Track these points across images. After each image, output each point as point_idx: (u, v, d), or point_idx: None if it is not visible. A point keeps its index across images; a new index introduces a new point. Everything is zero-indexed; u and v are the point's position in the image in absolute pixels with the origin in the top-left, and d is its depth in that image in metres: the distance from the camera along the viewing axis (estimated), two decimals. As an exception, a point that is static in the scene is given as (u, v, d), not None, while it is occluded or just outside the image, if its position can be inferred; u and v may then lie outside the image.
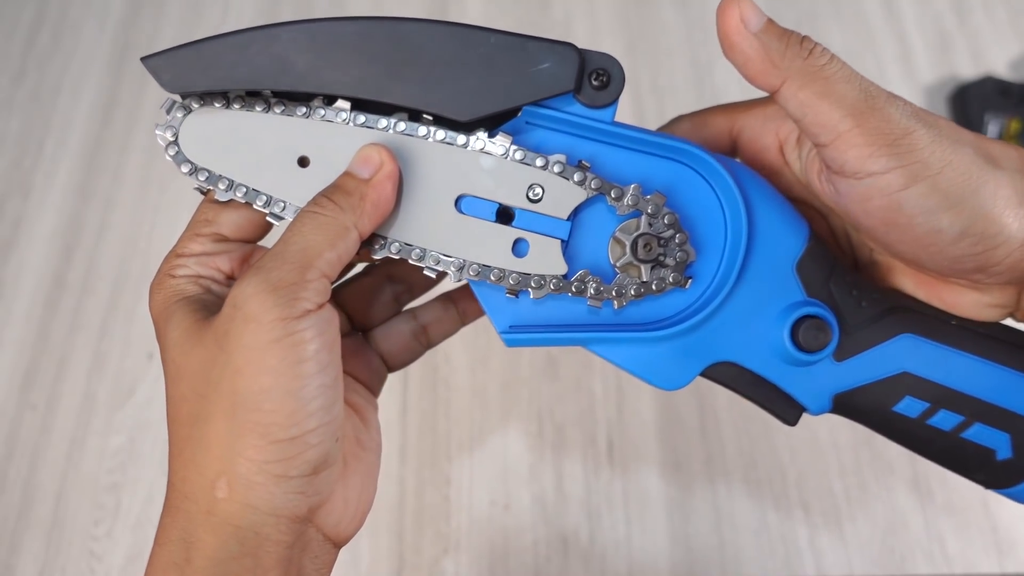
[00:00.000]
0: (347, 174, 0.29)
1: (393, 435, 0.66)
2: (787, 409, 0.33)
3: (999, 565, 0.61)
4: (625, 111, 0.77)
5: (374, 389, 0.38)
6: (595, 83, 0.30)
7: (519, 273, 0.30)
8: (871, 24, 0.85)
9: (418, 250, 0.30)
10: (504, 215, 0.31)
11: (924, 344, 0.32)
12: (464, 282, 0.31)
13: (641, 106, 0.79)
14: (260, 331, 0.26)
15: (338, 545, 0.30)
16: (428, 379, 0.68)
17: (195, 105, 0.30)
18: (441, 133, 0.30)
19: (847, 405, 0.33)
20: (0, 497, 0.64)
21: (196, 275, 0.31)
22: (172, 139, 0.31)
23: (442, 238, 0.30)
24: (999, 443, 0.32)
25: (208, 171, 0.31)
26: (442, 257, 0.30)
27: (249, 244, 0.33)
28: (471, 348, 0.69)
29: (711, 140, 0.34)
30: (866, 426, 0.34)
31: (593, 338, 0.31)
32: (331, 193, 0.29)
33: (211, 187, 0.31)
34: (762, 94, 0.30)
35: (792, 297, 0.32)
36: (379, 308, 0.39)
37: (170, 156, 0.31)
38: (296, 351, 0.26)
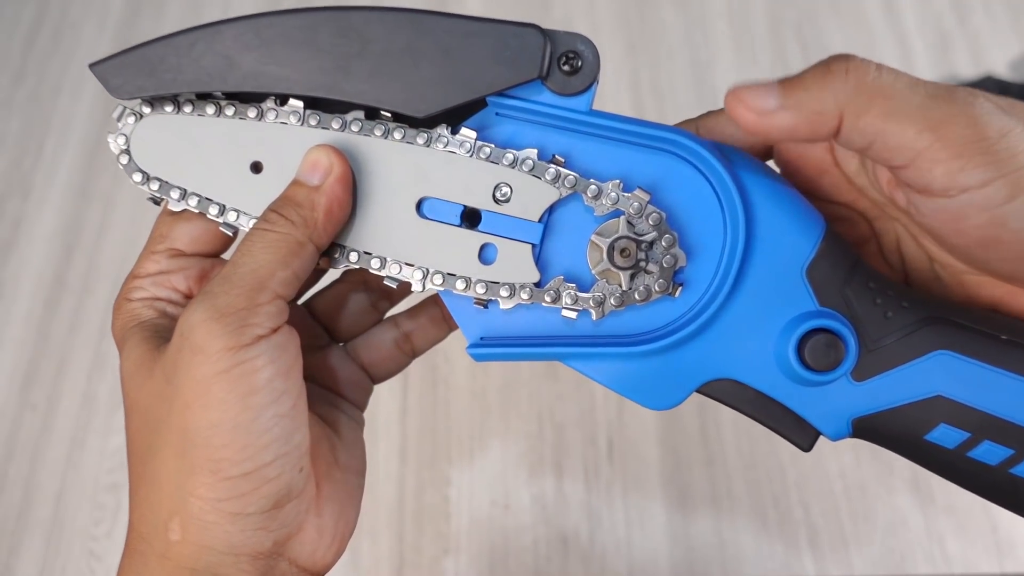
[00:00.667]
0: (296, 183, 0.27)
1: (393, 435, 0.66)
2: (799, 433, 0.29)
3: (999, 565, 0.61)
4: (626, 110, 0.77)
5: (358, 403, 0.35)
6: (565, 68, 0.27)
7: (487, 281, 0.28)
8: (871, 24, 0.85)
9: (377, 259, 0.28)
10: (470, 218, 0.28)
11: (964, 363, 0.27)
12: (431, 291, 0.29)
13: (641, 106, 0.79)
14: (207, 362, 0.24)
15: (317, 575, 0.28)
16: (428, 379, 0.68)
17: (146, 110, 0.29)
18: (399, 132, 0.28)
19: (870, 430, 0.28)
20: (0, 497, 0.64)
21: (152, 297, 0.29)
22: (124, 147, 0.29)
23: (403, 244, 0.28)
24: None
25: (160, 180, 0.29)
26: (403, 265, 0.28)
27: (208, 259, 0.31)
28: (471, 348, 0.69)
29: (742, 139, 0.30)
30: (898, 454, 0.30)
31: (570, 353, 0.28)
32: (280, 207, 0.27)
33: (164, 197, 0.29)
34: None
35: (802, 307, 0.28)
36: (357, 317, 0.36)
37: (122, 165, 0.29)
38: (246, 381, 0.24)
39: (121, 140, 0.29)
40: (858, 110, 0.23)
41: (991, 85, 0.77)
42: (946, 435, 0.27)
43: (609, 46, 0.82)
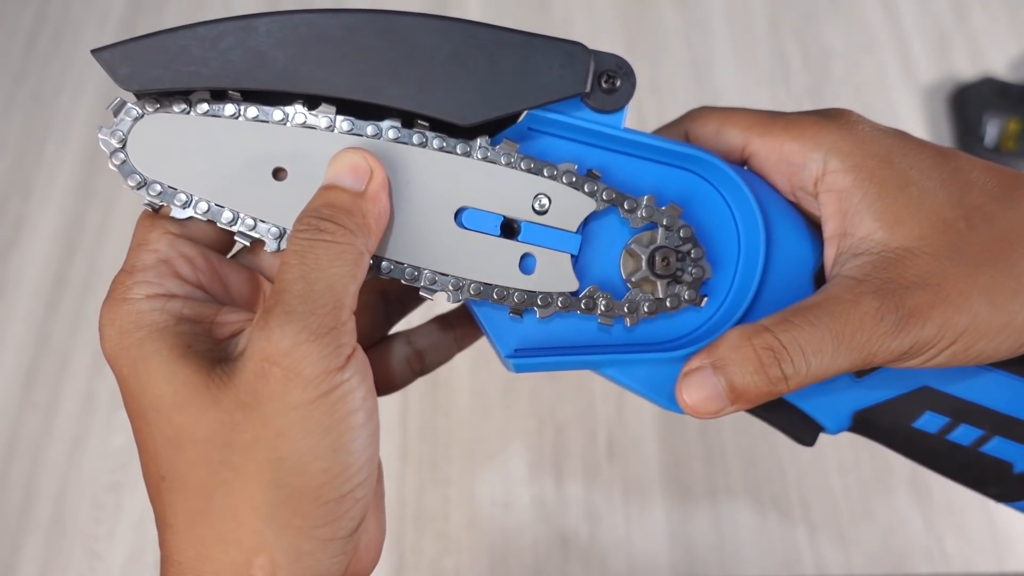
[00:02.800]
0: (336, 188, 0.26)
1: (394, 435, 0.66)
2: (805, 429, 0.32)
3: (998, 564, 0.61)
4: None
5: None
6: (605, 86, 0.28)
7: (526, 291, 0.28)
8: (871, 24, 0.85)
9: (411, 268, 0.28)
10: (507, 229, 0.28)
11: None
12: (460, 303, 0.29)
13: (641, 106, 0.79)
14: (307, 388, 0.23)
15: None
16: (428, 379, 0.67)
17: (149, 108, 0.26)
18: (439, 140, 0.27)
19: (867, 422, 0.32)
20: (1, 496, 0.65)
21: (161, 293, 0.26)
22: (119, 145, 0.26)
23: (441, 255, 0.28)
24: (1017, 456, 0.31)
25: (161, 184, 0.26)
26: (439, 276, 0.28)
27: (213, 252, 0.28)
28: (471, 348, 0.69)
29: (724, 153, 0.31)
30: (883, 444, 0.33)
31: (605, 360, 0.29)
32: (332, 214, 0.25)
33: (164, 203, 0.27)
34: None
35: None
36: (371, 328, 0.35)
37: (114, 165, 0.26)
38: (345, 403, 0.24)
39: (115, 138, 0.26)
40: (806, 379, 0.26)
41: (990, 86, 0.77)
42: (930, 421, 0.31)
43: (609, 46, 0.82)
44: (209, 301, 0.27)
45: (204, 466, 0.24)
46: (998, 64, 0.82)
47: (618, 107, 0.28)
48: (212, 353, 0.25)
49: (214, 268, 0.28)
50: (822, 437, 0.33)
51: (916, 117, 0.80)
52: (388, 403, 0.67)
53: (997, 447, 0.31)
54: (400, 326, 0.38)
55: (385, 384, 0.36)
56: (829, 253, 0.29)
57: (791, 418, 0.32)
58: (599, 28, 0.84)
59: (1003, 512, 0.62)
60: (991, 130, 0.76)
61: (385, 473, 0.66)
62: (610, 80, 0.28)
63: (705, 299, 0.29)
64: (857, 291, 0.26)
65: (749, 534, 0.62)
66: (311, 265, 0.24)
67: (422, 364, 0.36)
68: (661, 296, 0.29)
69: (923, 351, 0.26)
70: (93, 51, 0.25)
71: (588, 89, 0.28)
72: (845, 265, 0.28)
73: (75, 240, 0.75)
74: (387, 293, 0.35)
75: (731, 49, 0.82)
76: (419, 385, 0.68)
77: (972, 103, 0.77)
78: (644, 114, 0.78)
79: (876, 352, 0.26)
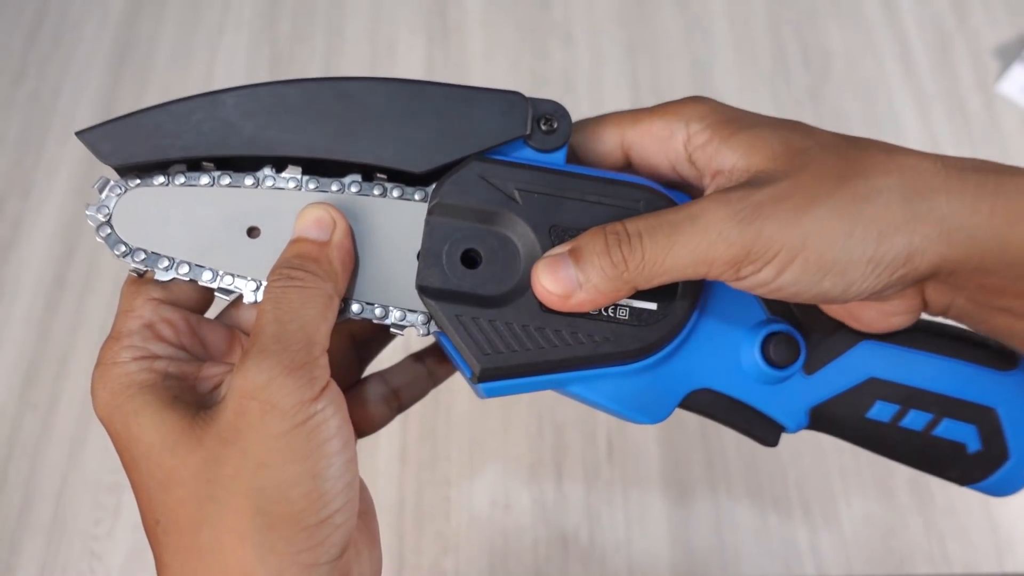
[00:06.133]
0: (302, 240, 0.28)
1: (393, 436, 0.66)
2: (766, 430, 0.33)
3: (999, 565, 0.61)
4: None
5: None
6: (544, 128, 0.30)
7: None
8: (871, 24, 0.85)
9: (380, 308, 0.30)
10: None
11: (884, 348, 0.33)
12: (428, 335, 0.30)
13: (641, 106, 0.79)
14: (283, 418, 0.25)
15: None
16: (428, 379, 0.68)
17: (132, 183, 0.29)
18: (397, 190, 0.30)
19: (823, 417, 0.33)
20: (1, 496, 0.64)
21: (146, 355, 0.28)
22: (104, 220, 0.29)
23: (409, 292, 0.30)
24: (968, 436, 0.33)
25: (145, 251, 0.29)
26: (408, 312, 0.30)
27: (192, 313, 0.30)
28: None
29: (607, 155, 0.33)
30: (844, 439, 0.35)
31: (571, 378, 0.31)
32: (301, 263, 0.27)
33: (149, 268, 0.29)
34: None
35: (756, 317, 0.32)
36: (344, 373, 0.37)
37: (101, 238, 0.28)
38: (320, 431, 0.25)
39: (102, 213, 0.29)
40: (643, 278, 0.27)
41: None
42: (882, 410, 0.33)
43: (609, 46, 0.82)
44: (191, 360, 0.29)
45: (192, 503, 0.25)
46: (998, 63, 0.82)
47: (558, 146, 0.31)
48: (196, 403, 0.27)
49: (193, 329, 0.30)
50: (823, 438, 0.33)
51: (916, 117, 0.80)
52: (388, 403, 0.67)
53: (948, 429, 0.33)
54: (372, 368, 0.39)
55: (364, 424, 0.37)
56: None
57: (751, 419, 0.33)
58: (599, 28, 0.84)
59: (1004, 513, 0.62)
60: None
61: (385, 473, 0.66)
62: (548, 123, 0.30)
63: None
64: (708, 194, 0.28)
65: (749, 535, 0.62)
66: (284, 308, 0.26)
67: (399, 401, 0.38)
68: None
69: (763, 255, 0.26)
70: (77, 133, 0.28)
71: (528, 131, 0.30)
72: None
73: (75, 240, 0.75)
74: (356, 336, 0.37)
75: (731, 49, 0.82)
76: (419, 385, 0.69)
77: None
78: (644, 114, 0.78)
79: (715, 243, 0.26)
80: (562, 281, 0.28)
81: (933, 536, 0.62)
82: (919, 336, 0.33)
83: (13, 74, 0.84)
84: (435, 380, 0.39)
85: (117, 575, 0.61)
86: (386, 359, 0.39)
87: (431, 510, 0.63)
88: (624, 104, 0.78)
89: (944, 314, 0.30)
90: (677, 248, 0.27)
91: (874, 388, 0.33)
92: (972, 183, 0.26)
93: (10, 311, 0.72)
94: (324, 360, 0.26)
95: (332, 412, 0.26)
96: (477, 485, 0.64)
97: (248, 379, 0.25)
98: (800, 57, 0.82)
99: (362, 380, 0.38)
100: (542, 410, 0.66)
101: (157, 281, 0.29)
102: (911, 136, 0.79)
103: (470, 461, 0.65)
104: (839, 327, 0.33)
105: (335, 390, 0.26)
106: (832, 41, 0.83)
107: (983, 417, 0.33)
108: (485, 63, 0.82)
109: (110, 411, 0.27)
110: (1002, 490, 0.35)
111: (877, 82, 0.82)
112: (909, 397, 0.33)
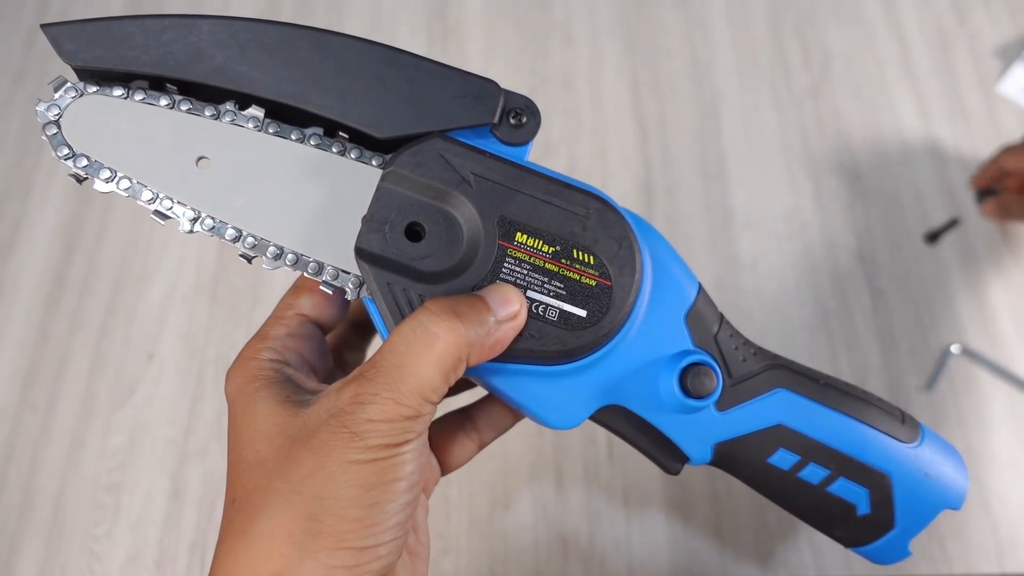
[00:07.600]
0: (485, 305, 0.29)
1: (393, 435, 0.65)
2: (671, 458, 0.34)
3: (999, 565, 0.61)
4: (625, 111, 0.77)
5: (427, 489, 0.38)
6: (512, 121, 0.30)
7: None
8: (871, 24, 0.85)
9: (315, 263, 0.30)
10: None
11: (797, 399, 0.34)
12: (357, 298, 0.31)
13: (641, 106, 0.79)
14: (363, 451, 0.26)
15: None
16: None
17: (90, 90, 0.29)
18: (356, 151, 0.30)
19: (726, 455, 0.34)
20: (0, 497, 0.64)
21: (281, 360, 0.31)
22: (54, 119, 0.28)
23: (345, 253, 0.30)
24: (859, 498, 0.34)
25: (88, 158, 0.28)
26: (340, 273, 0.30)
27: (324, 338, 0.34)
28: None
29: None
30: (743, 480, 0.35)
31: (490, 368, 0.31)
32: (465, 318, 0.28)
33: (89, 176, 0.28)
34: None
35: (681, 345, 0.33)
36: (347, 351, 0.39)
37: (47, 136, 0.28)
38: (393, 472, 0.26)
39: (52, 112, 0.28)
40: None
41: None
42: (783, 458, 0.33)
43: (609, 46, 0.82)
44: (310, 370, 0.33)
45: (262, 489, 0.27)
46: (997, 64, 0.82)
47: (524, 141, 0.31)
48: (302, 403, 0.29)
49: (324, 350, 0.34)
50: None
51: (916, 117, 0.80)
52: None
53: (842, 487, 0.34)
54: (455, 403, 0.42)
55: (453, 458, 0.40)
56: None
57: (658, 444, 0.33)
58: (599, 28, 0.84)
59: (1004, 514, 0.62)
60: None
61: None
62: (518, 117, 0.31)
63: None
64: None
65: (750, 535, 0.62)
66: (412, 357, 0.27)
67: (480, 436, 0.40)
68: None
69: None
70: (42, 25, 0.27)
71: (496, 120, 0.30)
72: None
73: (74, 240, 0.75)
74: (472, 415, 0.40)
75: (731, 49, 0.82)
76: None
77: (972, 103, 0.77)
78: (645, 114, 0.78)
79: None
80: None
81: (933, 536, 0.62)
82: (833, 394, 0.34)
83: (13, 74, 0.84)
84: (518, 416, 0.41)
85: (117, 575, 0.61)
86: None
87: (431, 510, 0.63)
88: (624, 104, 0.78)
89: None
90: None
91: (780, 435, 0.33)
92: None
93: (10, 311, 0.72)
94: (430, 417, 0.28)
95: (411, 459, 0.27)
96: (477, 485, 0.64)
97: (354, 413, 0.26)
98: (800, 57, 0.82)
99: (450, 417, 0.40)
100: (542, 410, 0.66)
101: (310, 297, 0.31)
102: (911, 136, 0.79)
103: (470, 461, 0.65)
104: (760, 371, 0.34)
105: (424, 440, 0.28)
106: (832, 41, 0.83)
107: (877, 482, 0.33)
108: (485, 63, 0.82)
109: (237, 395, 0.30)
110: (884, 558, 0.35)
111: (877, 82, 0.82)
112: (811, 450, 0.33)
